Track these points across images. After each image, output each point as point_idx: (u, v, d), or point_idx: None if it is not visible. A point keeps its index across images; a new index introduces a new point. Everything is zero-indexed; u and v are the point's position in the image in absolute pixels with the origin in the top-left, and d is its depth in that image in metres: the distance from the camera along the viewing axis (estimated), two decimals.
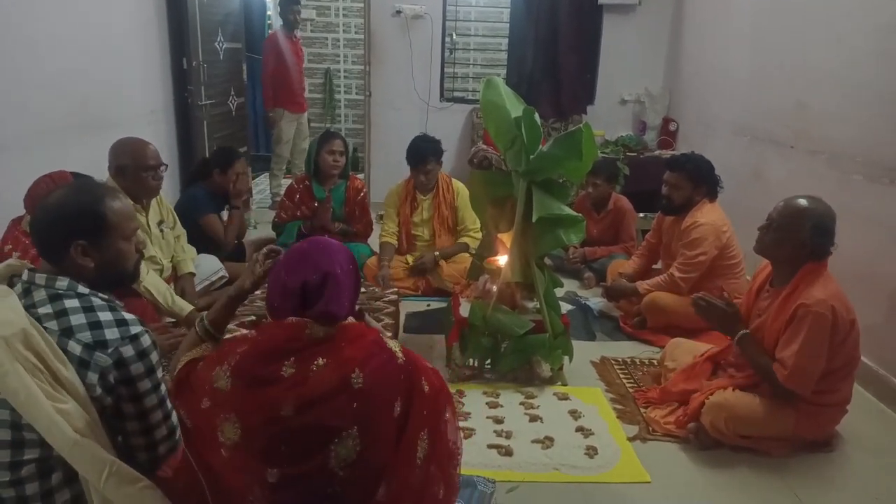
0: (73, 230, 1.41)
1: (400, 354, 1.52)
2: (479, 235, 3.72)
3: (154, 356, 1.41)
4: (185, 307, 2.83)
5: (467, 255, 3.66)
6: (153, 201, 2.99)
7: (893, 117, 2.79)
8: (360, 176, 5.64)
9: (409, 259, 3.78)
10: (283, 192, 5.58)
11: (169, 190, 4.14)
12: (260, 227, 5.04)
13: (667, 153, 4.88)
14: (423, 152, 3.65)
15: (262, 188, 6.19)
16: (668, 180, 3.26)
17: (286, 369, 1.41)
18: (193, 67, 4.29)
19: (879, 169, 2.85)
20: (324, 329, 1.46)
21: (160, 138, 4.16)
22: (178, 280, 3.09)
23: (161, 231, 3.06)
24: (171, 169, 4.30)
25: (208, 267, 3.30)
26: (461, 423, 2.42)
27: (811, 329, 2.10)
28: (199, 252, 3.32)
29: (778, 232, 2.23)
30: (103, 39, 3.44)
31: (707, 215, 3.14)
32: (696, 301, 2.41)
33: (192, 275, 3.15)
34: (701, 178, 3.19)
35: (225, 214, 3.64)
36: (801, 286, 2.19)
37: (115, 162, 2.78)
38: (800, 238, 2.18)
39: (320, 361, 1.42)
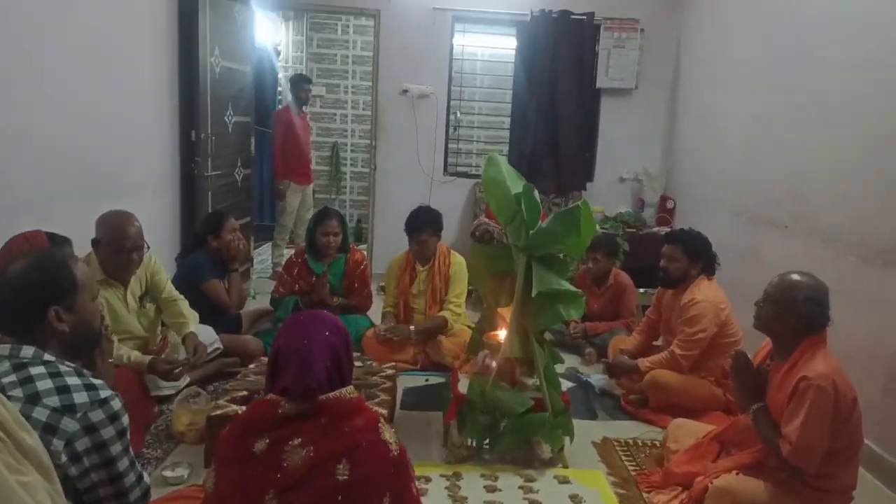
0: (48, 296, 1.42)
1: (395, 446, 1.47)
2: (459, 310, 3.76)
3: (124, 419, 1.40)
4: (143, 359, 2.77)
5: (467, 328, 3.64)
6: (135, 275, 2.89)
7: (884, 200, 2.84)
8: (363, 247, 5.70)
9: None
10: (283, 263, 5.65)
11: (168, 259, 4.17)
12: (259, 297, 5.03)
13: (665, 230, 4.92)
14: (419, 222, 3.70)
15: (263, 258, 6.22)
16: (666, 253, 3.29)
17: (258, 446, 1.38)
18: (202, 139, 4.40)
19: (873, 251, 2.88)
20: (297, 406, 1.42)
21: (164, 207, 4.23)
22: (184, 341, 3.01)
23: (141, 306, 2.96)
24: (171, 237, 4.36)
25: (203, 338, 3.26)
26: None
27: (813, 403, 2.08)
28: None
29: (773, 305, 2.26)
30: (114, 108, 3.54)
31: (704, 292, 3.14)
32: (737, 356, 2.37)
33: (194, 334, 3.05)
34: (697, 253, 3.21)
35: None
36: (801, 360, 2.19)
37: (97, 233, 2.75)
38: (795, 310, 2.20)
39: (295, 441, 1.38)
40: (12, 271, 1.44)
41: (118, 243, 2.70)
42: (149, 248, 2.87)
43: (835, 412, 2.08)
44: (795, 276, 2.26)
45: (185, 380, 3.05)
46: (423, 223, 3.70)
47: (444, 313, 3.72)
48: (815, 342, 2.20)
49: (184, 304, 3.11)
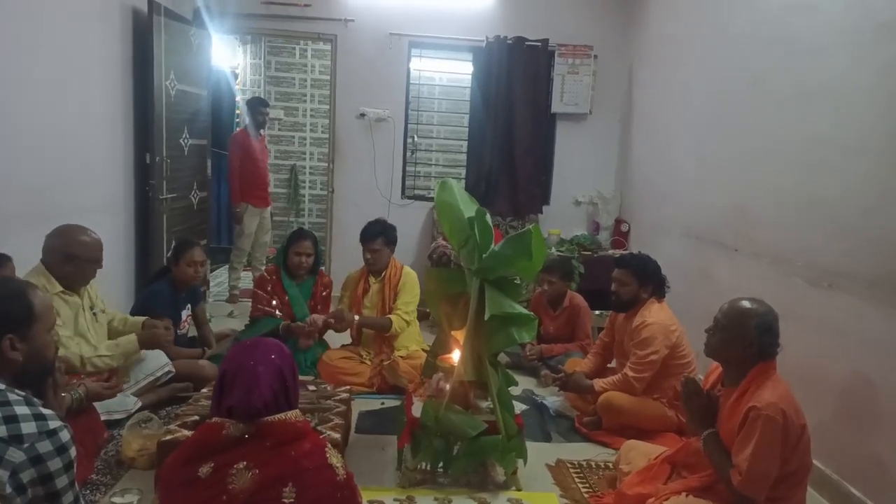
0: (3, 324, 1.39)
1: (341, 471, 1.48)
2: (407, 317, 3.79)
3: (72, 452, 1.37)
4: (130, 339, 3.01)
5: (422, 351, 3.64)
6: (86, 288, 3.02)
7: (826, 224, 2.94)
8: (323, 267, 5.66)
9: (363, 353, 3.74)
10: (240, 286, 5.59)
11: (123, 283, 4.08)
12: (215, 320, 4.94)
13: (619, 252, 5.03)
14: (372, 232, 3.78)
15: (220, 280, 6.13)
16: (616, 277, 3.35)
17: (203, 469, 1.38)
18: (156, 162, 4.35)
19: (818, 272, 2.97)
20: (241, 428, 1.43)
21: (118, 230, 4.15)
22: (144, 326, 3.16)
23: (94, 315, 3.06)
24: (126, 262, 4.28)
25: (154, 362, 3.20)
26: None
27: (763, 433, 2.09)
28: None
29: (724, 332, 2.27)
30: (68, 130, 3.49)
31: (655, 315, 3.20)
32: (687, 382, 2.39)
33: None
34: (646, 277, 3.28)
35: (184, 314, 3.60)
36: (751, 388, 2.20)
37: (67, 250, 2.80)
38: (746, 338, 2.21)
39: (241, 465, 1.38)
40: None
41: (92, 257, 2.87)
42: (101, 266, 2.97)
43: (784, 440, 2.10)
44: (746, 304, 2.28)
45: (137, 404, 2.99)
46: (377, 233, 3.77)
47: (391, 316, 3.75)
48: (765, 369, 2.22)
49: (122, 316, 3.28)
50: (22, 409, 1.33)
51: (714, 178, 4.02)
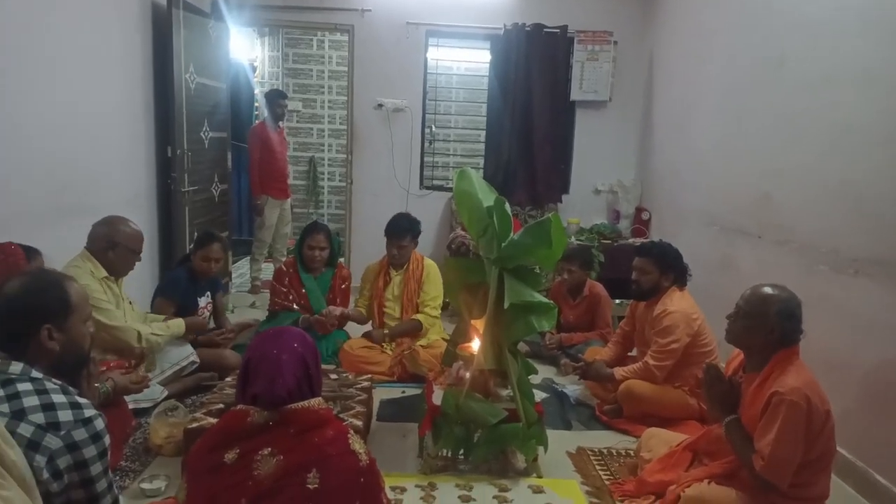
0: (41, 314, 1.44)
1: (364, 456, 1.49)
2: (435, 312, 3.83)
3: (106, 440, 1.40)
4: (178, 322, 3.26)
5: (443, 340, 3.66)
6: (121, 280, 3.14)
7: (852, 210, 2.90)
8: (340, 260, 5.70)
9: (384, 343, 3.77)
10: (262, 277, 5.65)
11: (147, 274, 4.15)
12: (238, 311, 5.01)
13: (640, 241, 4.99)
14: (401, 228, 3.78)
15: (242, 272, 6.20)
16: (637, 265, 3.33)
17: (229, 456, 1.40)
18: (178, 155, 4.39)
19: (844, 260, 2.93)
20: (265, 415, 1.45)
21: (141, 223, 4.14)
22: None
23: (130, 304, 3.17)
24: (150, 253, 4.33)
25: (178, 352, 3.26)
26: None
27: (786, 418, 2.08)
28: None
29: (746, 319, 2.26)
30: (90, 125, 3.53)
31: (676, 303, 3.18)
32: (709, 368, 2.38)
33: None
34: (667, 265, 3.26)
35: (202, 301, 3.62)
36: (774, 374, 2.19)
37: (111, 237, 2.96)
38: (767, 324, 2.20)
39: (266, 451, 1.41)
40: (9, 289, 1.46)
41: (135, 248, 3.06)
42: None
43: (807, 426, 2.09)
44: (768, 290, 2.26)
45: (163, 393, 3.05)
46: (405, 230, 3.78)
47: (419, 316, 3.78)
48: (788, 355, 2.20)
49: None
50: (59, 398, 1.37)
51: (737, 164, 3.97)
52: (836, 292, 2.95)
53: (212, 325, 3.74)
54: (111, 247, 2.97)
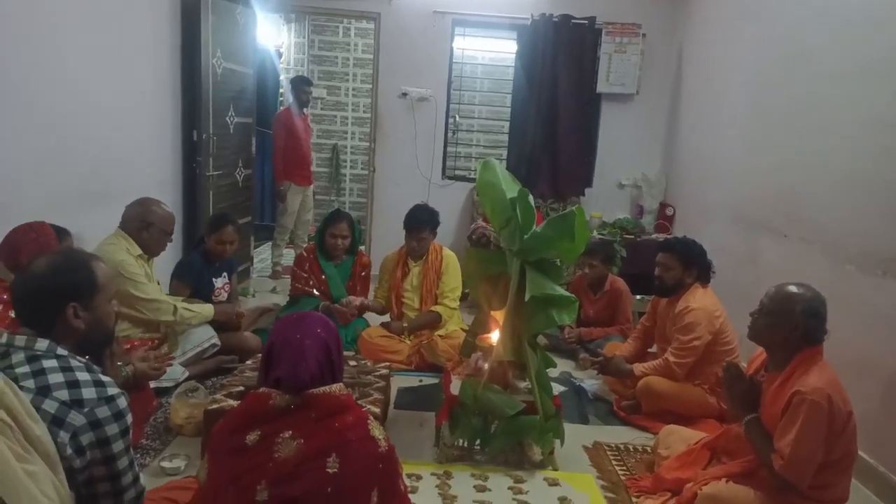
0: (69, 292, 1.46)
1: (383, 443, 1.51)
2: (454, 304, 3.83)
3: (128, 418, 1.42)
4: (208, 306, 3.36)
5: (461, 330, 3.66)
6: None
7: (884, 209, 2.83)
8: (361, 248, 5.73)
9: (406, 338, 3.78)
10: (283, 263, 5.69)
11: (170, 257, 4.19)
12: (259, 295, 5.06)
13: (663, 237, 4.94)
14: (420, 221, 3.77)
15: (263, 257, 6.25)
16: (660, 261, 3.30)
17: (250, 438, 1.42)
18: (203, 140, 4.43)
19: (872, 260, 2.87)
20: (287, 399, 1.46)
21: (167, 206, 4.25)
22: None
23: (158, 284, 3.27)
24: (174, 236, 4.37)
25: (200, 335, 3.30)
26: None
27: (807, 418, 2.06)
28: None
29: (769, 317, 2.24)
30: (117, 109, 3.57)
31: (699, 300, 3.15)
32: (729, 367, 2.36)
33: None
34: (691, 261, 3.22)
35: (219, 282, 3.66)
36: (796, 373, 2.17)
37: (145, 217, 3.09)
38: (791, 322, 2.17)
39: (286, 434, 1.42)
40: (37, 266, 1.48)
41: (167, 229, 3.17)
42: None
43: (829, 427, 2.07)
44: (793, 288, 2.24)
45: (184, 373, 3.09)
46: (424, 223, 3.77)
47: (438, 308, 3.78)
48: (811, 354, 2.18)
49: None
50: (83, 375, 1.39)
51: (765, 160, 3.91)
52: (863, 293, 2.89)
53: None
54: (145, 227, 3.08)
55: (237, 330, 3.54)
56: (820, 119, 3.35)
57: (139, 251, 3.09)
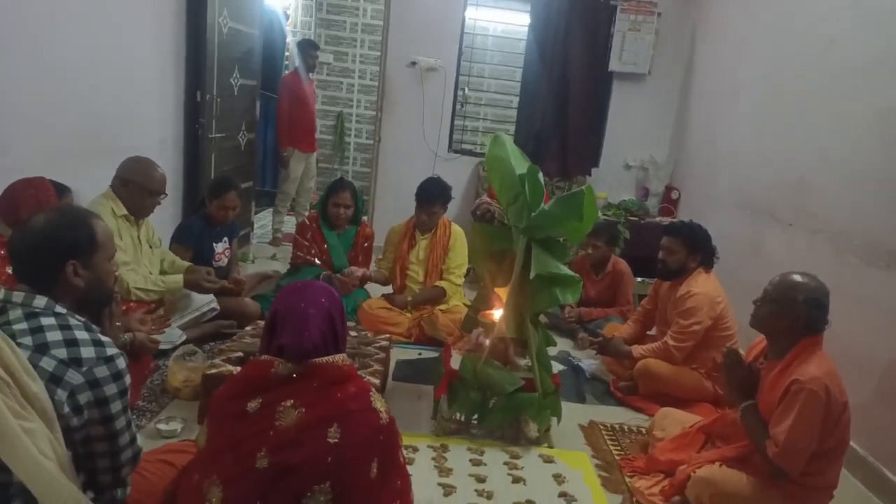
0: (68, 250, 1.44)
1: (384, 415, 1.50)
2: (459, 280, 3.81)
3: (127, 379, 1.42)
4: (177, 279, 3.13)
5: (463, 306, 3.66)
6: (144, 221, 3.13)
7: (890, 202, 2.82)
8: (365, 217, 5.70)
9: (407, 311, 3.76)
10: (283, 229, 5.66)
11: (170, 218, 4.17)
12: (259, 262, 5.04)
13: (667, 220, 4.92)
14: (432, 195, 3.72)
15: (264, 223, 6.22)
16: (665, 245, 3.29)
17: (251, 405, 1.42)
18: (207, 101, 4.36)
19: (877, 252, 2.87)
20: (289, 367, 1.45)
21: (167, 168, 4.15)
22: (188, 271, 3.22)
23: (150, 248, 3.17)
24: (175, 198, 4.34)
25: (200, 299, 3.29)
26: (443, 480, 2.38)
27: (804, 406, 2.08)
28: None
29: (772, 305, 2.24)
30: (120, 67, 3.50)
31: (702, 285, 3.14)
32: (729, 353, 2.37)
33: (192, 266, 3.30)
34: (696, 246, 3.21)
35: (220, 246, 3.63)
36: (795, 361, 2.18)
37: (124, 175, 2.94)
38: (794, 311, 2.18)
39: (288, 403, 1.42)
40: (36, 223, 1.45)
41: (147, 186, 2.97)
42: (166, 195, 3.11)
43: (824, 416, 2.08)
44: (796, 277, 2.24)
45: (182, 337, 3.08)
46: (436, 197, 3.73)
47: (443, 283, 3.76)
48: (811, 344, 2.19)
49: (174, 258, 3.36)
50: (82, 334, 1.37)
51: (774, 148, 3.87)
52: (866, 285, 2.89)
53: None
54: (123, 184, 2.95)
55: (237, 296, 3.52)
56: (834, 108, 3.31)
57: (124, 211, 2.97)
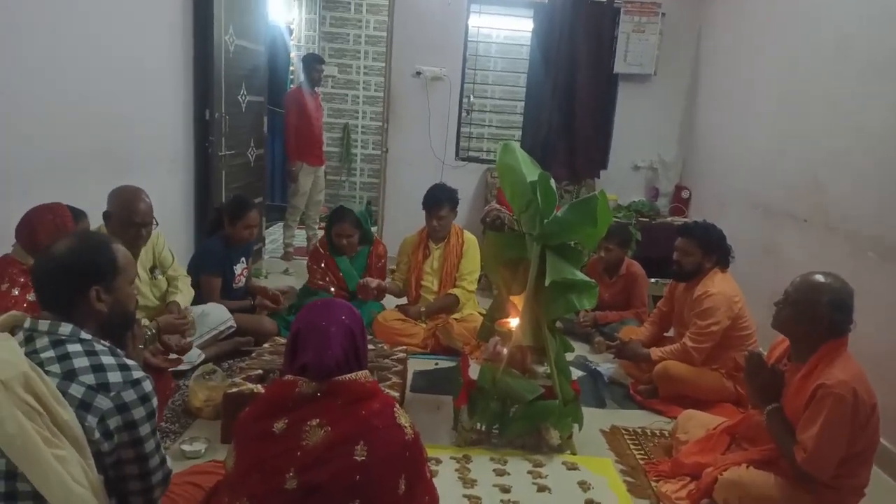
0: (91, 275, 1.45)
1: (409, 430, 1.50)
2: (472, 287, 3.80)
3: (154, 402, 1.42)
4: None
5: (478, 314, 3.65)
6: (145, 247, 2.96)
7: None
8: (374, 229, 5.70)
9: (421, 321, 3.76)
10: (295, 243, 5.67)
11: (182, 237, 4.19)
12: (271, 276, 5.05)
13: (679, 220, 4.90)
14: (438, 199, 3.72)
15: (275, 238, 6.24)
16: (679, 246, 3.26)
17: (277, 425, 1.42)
18: (215, 119, 4.39)
19: (894, 248, 2.83)
20: (313, 386, 1.45)
21: (178, 186, 4.23)
22: (168, 307, 3.03)
23: (152, 277, 3.08)
24: (186, 216, 4.37)
25: (217, 316, 3.30)
26: (468, 491, 2.36)
27: (831, 411, 2.03)
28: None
29: (794, 307, 2.18)
30: (130, 86, 3.53)
31: (718, 285, 3.12)
32: (751, 356, 2.31)
33: (177, 303, 3.07)
34: (711, 246, 3.19)
35: (238, 268, 3.65)
36: (820, 365, 2.12)
37: (108, 207, 2.77)
38: (816, 314, 2.12)
39: (314, 422, 1.41)
40: (58, 249, 1.46)
41: (129, 218, 2.74)
42: (157, 224, 2.89)
43: (853, 420, 2.03)
44: (819, 278, 2.17)
45: (201, 356, 3.09)
46: (443, 199, 3.72)
47: (456, 291, 3.75)
48: (836, 346, 2.13)
49: (184, 281, 3.20)
50: (108, 359, 1.38)
51: (786, 145, 3.85)
52: (884, 281, 2.86)
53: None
54: (106, 217, 2.77)
55: (277, 310, 3.57)
56: (847, 107, 3.28)
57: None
